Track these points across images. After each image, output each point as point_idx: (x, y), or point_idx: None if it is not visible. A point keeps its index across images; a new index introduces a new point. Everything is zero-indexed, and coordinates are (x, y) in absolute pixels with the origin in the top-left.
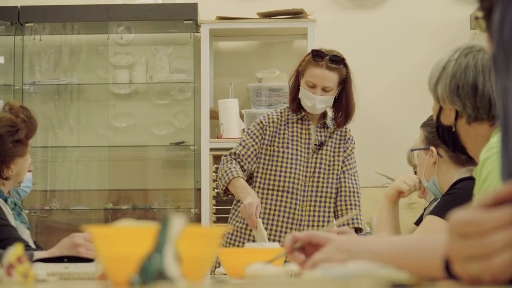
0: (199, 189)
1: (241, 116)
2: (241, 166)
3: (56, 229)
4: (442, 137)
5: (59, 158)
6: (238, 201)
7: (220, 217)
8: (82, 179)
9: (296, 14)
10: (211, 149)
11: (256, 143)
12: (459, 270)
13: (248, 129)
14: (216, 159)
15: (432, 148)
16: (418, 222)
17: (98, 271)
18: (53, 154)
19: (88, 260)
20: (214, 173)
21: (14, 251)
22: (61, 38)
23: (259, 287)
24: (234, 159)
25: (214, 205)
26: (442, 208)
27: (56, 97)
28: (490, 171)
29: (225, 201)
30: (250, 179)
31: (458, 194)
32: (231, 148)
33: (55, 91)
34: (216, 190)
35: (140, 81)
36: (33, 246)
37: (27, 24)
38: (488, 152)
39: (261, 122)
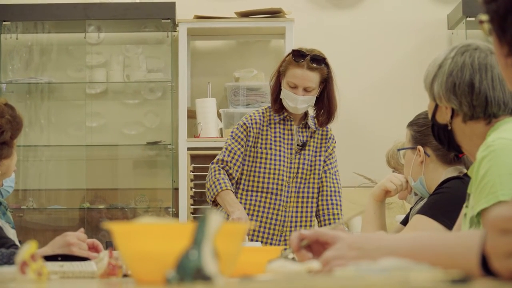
0: (177, 189)
1: (219, 115)
2: (230, 174)
3: (31, 229)
4: (437, 135)
5: (32, 157)
6: None
7: (198, 216)
8: (58, 179)
9: (274, 13)
10: (189, 149)
11: (242, 146)
12: (499, 267)
13: (232, 132)
14: (194, 158)
15: (419, 147)
16: (404, 222)
17: (100, 270)
18: (29, 153)
19: (81, 259)
20: (191, 173)
21: (28, 248)
22: (38, 37)
23: (316, 283)
24: (223, 167)
25: (192, 205)
26: (430, 207)
27: (29, 96)
28: (488, 169)
29: (202, 201)
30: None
31: (446, 193)
32: (208, 148)
33: (29, 90)
34: (193, 189)
35: (117, 80)
36: (19, 245)
37: (4, 23)
38: (486, 151)
39: (245, 124)
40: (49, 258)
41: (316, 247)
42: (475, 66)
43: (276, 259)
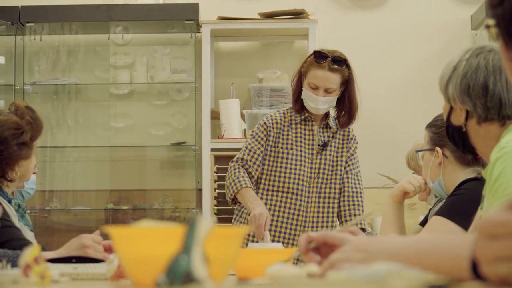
0: (200, 190)
1: (242, 116)
2: (249, 173)
3: (56, 230)
4: (452, 137)
5: (59, 158)
6: None
7: (222, 217)
8: (82, 180)
9: (297, 14)
10: (212, 150)
11: (262, 145)
12: (488, 271)
13: (253, 131)
14: (217, 159)
15: (438, 148)
16: (423, 223)
17: (110, 272)
18: (53, 154)
19: (96, 261)
20: (215, 174)
21: (31, 251)
22: (62, 38)
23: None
24: (242, 166)
25: (215, 206)
26: (448, 208)
27: (56, 97)
28: (501, 171)
29: (226, 201)
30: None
31: (464, 194)
32: (232, 149)
33: (55, 91)
34: (217, 190)
35: (141, 81)
36: None
37: (28, 24)
38: (499, 152)
39: (265, 123)
40: (64, 260)
41: (324, 249)
42: (490, 68)
43: (277, 262)
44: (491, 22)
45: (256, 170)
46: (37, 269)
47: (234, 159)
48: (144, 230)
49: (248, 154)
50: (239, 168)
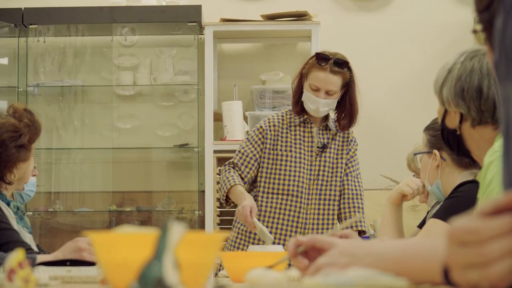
0: (203, 191)
1: (245, 118)
2: (239, 175)
3: (60, 231)
4: (447, 140)
5: (63, 159)
6: None
7: (224, 219)
8: (86, 181)
9: (300, 16)
10: (215, 151)
11: (256, 149)
12: (458, 278)
13: (248, 134)
14: (220, 161)
15: (435, 151)
16: (421, 225)
17: (100, 275)
18: (57, 156)
19: (91, 264)
20: (218, 175)
21: (16, 256)
22: (65, 40)
23: None
24: (233, 167)
25: (218, 207)
26: (445, 211)
27: (60, 99)
28: (494, 174)
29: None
30: (254, 183)
31: (461, 197)
32: (235, 151)
33: (59, 93)
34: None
35: (144, 83)
36: (36, 249)
37: (31, 26)
38: (493, 156)
39: (261, 127)
40: (58, 263)
41: (312, 253)
42: (484, 71)
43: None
44: (478, 27)
45: (248, 173)
46: (21, 274)
47: (226, 162)
48: (122, 235)
49: (241, 158)
50: (229, 169)
